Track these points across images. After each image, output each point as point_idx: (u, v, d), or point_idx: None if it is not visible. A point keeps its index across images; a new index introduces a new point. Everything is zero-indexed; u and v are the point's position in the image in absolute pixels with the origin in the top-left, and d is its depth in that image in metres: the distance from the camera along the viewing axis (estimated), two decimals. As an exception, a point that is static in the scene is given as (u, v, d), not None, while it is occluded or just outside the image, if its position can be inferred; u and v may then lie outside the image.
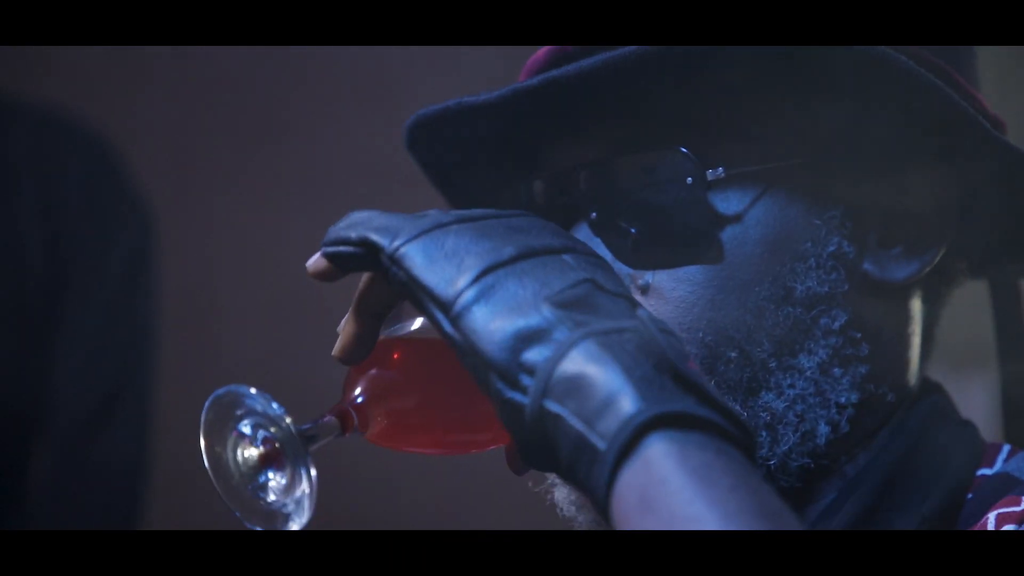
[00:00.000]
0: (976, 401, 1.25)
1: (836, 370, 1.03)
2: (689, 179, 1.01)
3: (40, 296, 1.88)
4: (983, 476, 1.04)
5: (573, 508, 1.05)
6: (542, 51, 1.07)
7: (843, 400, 1.03)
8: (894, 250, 1.05)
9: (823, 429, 1.02)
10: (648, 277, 1.02)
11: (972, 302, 1.18)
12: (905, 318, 1.07)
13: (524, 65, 1.08)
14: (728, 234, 1.02)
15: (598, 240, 1.03)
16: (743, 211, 1.02)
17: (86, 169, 1.92)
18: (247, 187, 2.39)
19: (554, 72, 1.01)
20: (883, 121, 1.01)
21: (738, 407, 1.00)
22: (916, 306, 1.08)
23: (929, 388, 1.10)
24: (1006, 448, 1.07)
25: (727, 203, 1.02)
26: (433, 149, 1.10)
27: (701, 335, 1.01)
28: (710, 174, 1.01)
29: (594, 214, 1.03)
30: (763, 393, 1.01)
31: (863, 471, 1.04)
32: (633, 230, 1.02)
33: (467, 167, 1.12)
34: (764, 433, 1.01)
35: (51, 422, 1.90)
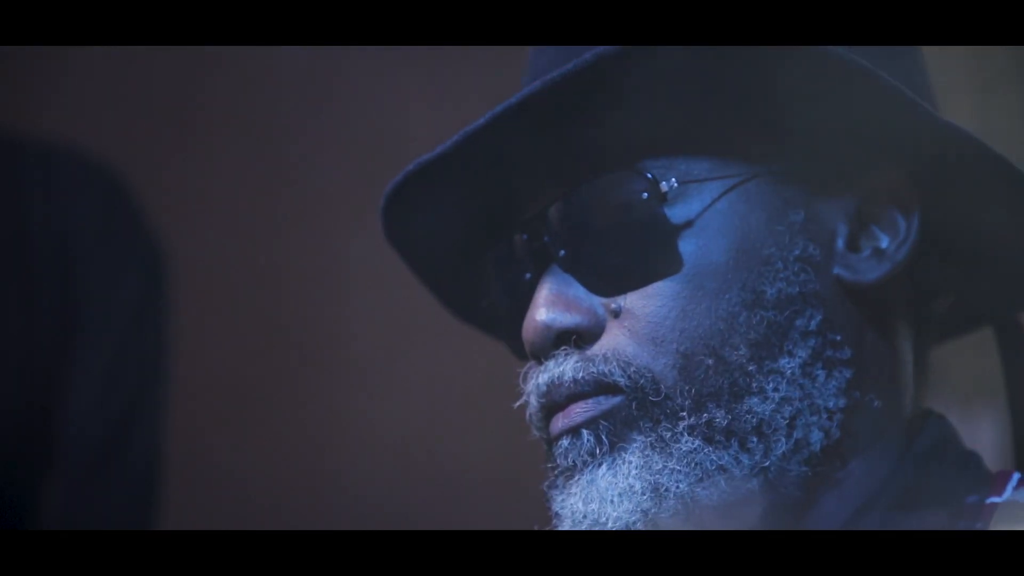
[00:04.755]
0: (986, 435, 1.25)
1: (819, 372, 1.03)
2: (644, 195, 1.02)
3: (52, 332, 1.88)
4: (992, 504, 1.04)
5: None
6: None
7: (831, 405, 1.03)
8: (863, 253, 1.05)
9: (816, 436, 1.02)
10: (620, 301, 1.03)
11: (978, 336, 1.19)
12: (888, 324, 1.07)
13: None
14: (691, 246, 1.02)
15: (569, 277, 1.05)
16: (695, 217, 1.02)
17: (98, 202, 1.92)
18: (259, 215, 2.40)
19: (497, 107, 1.02)
20: (838, 124, 1.02)
21: (722, 411, 1.01)
22: (899, 315, 1.08)
23: (933, 415, 1.09)
24: (1016, 476, 1.06)
25: (685, 214, 1.02)
26: (409, 230, 1.12)
27: (675, 346, 1.02)
28: (664, 186, 1.02)
29: (562, 251, 1.04)
30: (747, 398, 1.01)
31: (874, 497, 1.04)
32: (599, 258, 1.04)
33: (444, 239, 1.13)
34: (754, 439, 1.01)
35: (62, 457, 1.90)
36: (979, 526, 1.02)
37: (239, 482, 2.30)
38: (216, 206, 2.38)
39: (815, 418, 1.02)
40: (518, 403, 1.07)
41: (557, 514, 1.05)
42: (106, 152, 1.98)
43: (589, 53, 0.99)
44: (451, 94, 2.27)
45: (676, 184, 1.02)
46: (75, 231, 1.90)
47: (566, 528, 1.03)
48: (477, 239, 1.11)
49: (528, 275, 1.06)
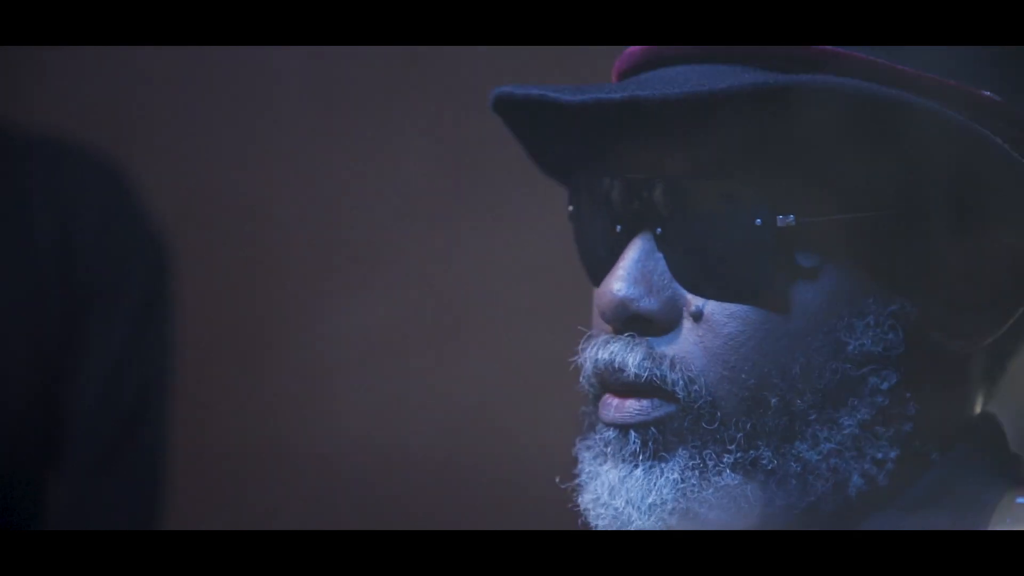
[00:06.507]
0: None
1: (879, 429, 1.00)
2: (758, 220, 0.99)
3: (57, 329, 1.89)
4: (1021, 504, 1.02)
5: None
6: (637, 50, 1.05)
7: (881, 456, 1.00)
8: (962, 316, 1.02)
9: (856, 481, 1.00)
10: (702, 304, 1.00)
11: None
12: (963, 383, 1.05)
13: (617, 60, 1.07)
14: (789, 280, 0.99)
15: (660, 255, 1.02)
16: (809, 267, 0.99)
17: (101, 198, 1.92)
18: (263, 209, 2.41)
19: (639, 92, 0.99)
20: (960, 184, 0.99)
21: (770, 452, 0.99)
22: (977, 371, 1.05)
23: (983, 416, 1.07)
24: None
25: (792, 251, 0.99)
26: (515, 112, 1.08)
27: (744, 376, 0.99)
28: (780, 220, 0.99)
29: (659, 229, 1.01)
30: (797, 442, 0.99)
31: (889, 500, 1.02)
32: (695, 255, 1.01)
33: (553, 143, 1.10)
34: (793, 481, 0.99)
35: (68, 456, 1.90)
36: (1008, 520, 1.01)
37: (246, 481, 2.30)
38: (221, 200, 2.38)
39: (858, 464, 1.00)
40: (572, 360, 1.04)
41: (582, 483, 1.04)
42: (108, 147, 1.99)
43: (763, 78, 0.97)
44: (451, 93, 2.27)
45: (794, 222, 0.98)
46: (79, 228, 1.90)
47: (587, 499, 1.02)
48: (579, 154, 1.08)
49: (619, 228, 1.03)
